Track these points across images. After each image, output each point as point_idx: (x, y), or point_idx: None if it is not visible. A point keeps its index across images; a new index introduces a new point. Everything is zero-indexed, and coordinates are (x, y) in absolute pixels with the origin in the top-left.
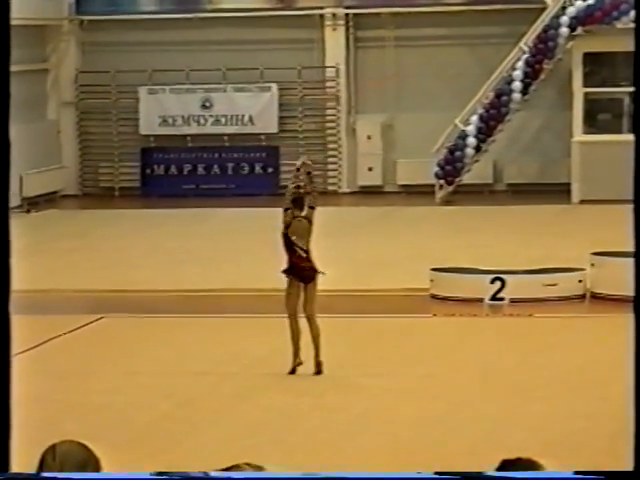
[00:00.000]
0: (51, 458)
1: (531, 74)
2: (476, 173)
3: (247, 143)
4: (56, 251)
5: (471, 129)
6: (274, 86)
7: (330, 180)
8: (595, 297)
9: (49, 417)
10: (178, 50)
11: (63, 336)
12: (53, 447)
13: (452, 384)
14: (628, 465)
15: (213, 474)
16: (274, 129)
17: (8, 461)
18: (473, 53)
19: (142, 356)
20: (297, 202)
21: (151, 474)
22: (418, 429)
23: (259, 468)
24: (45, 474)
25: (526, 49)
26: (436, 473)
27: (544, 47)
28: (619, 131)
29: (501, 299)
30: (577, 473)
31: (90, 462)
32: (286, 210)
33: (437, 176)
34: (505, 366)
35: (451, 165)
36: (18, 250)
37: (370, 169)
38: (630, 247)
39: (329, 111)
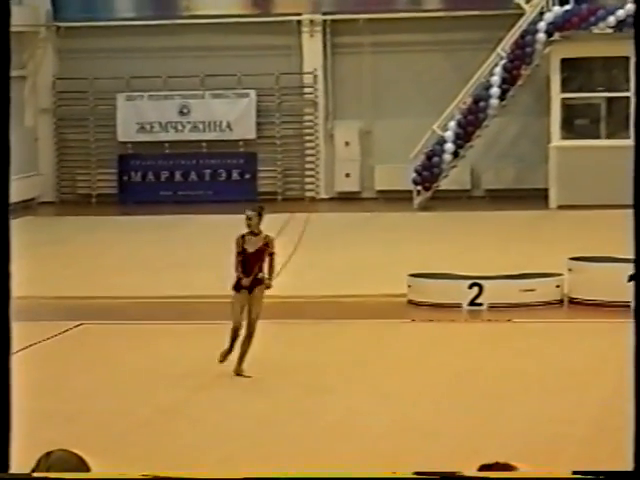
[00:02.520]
0: (44, 462)
1: (509, 80)
2: (454, 179)
3: (225, 149)
4: (34, 258)
5: (449, 135)
6: (252, 92)
7: (308, 186)
8: (573, 302)
9: (27, 424)
10: (155, 57)
11: (41, 343)
12: (49, 453)
13: (430, 389)
14: (607, 469)
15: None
16: (252, 135)
17: (8, 461)
18: (450, 59)
19: (121, 363)
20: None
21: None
22: (396, 434)
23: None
24: (40, 474)
25: (504, 55)
26: (415, 473)
27: (521, 53)
28: (596, 136)
29: (479, 304)
30: (575, 473)
31: (80, 471)
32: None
33: (415, 182)
34: (483, 371)
35: (429, 171)
36: None
37: (348, 175)
38: (608, 252)
39: (307, 117)
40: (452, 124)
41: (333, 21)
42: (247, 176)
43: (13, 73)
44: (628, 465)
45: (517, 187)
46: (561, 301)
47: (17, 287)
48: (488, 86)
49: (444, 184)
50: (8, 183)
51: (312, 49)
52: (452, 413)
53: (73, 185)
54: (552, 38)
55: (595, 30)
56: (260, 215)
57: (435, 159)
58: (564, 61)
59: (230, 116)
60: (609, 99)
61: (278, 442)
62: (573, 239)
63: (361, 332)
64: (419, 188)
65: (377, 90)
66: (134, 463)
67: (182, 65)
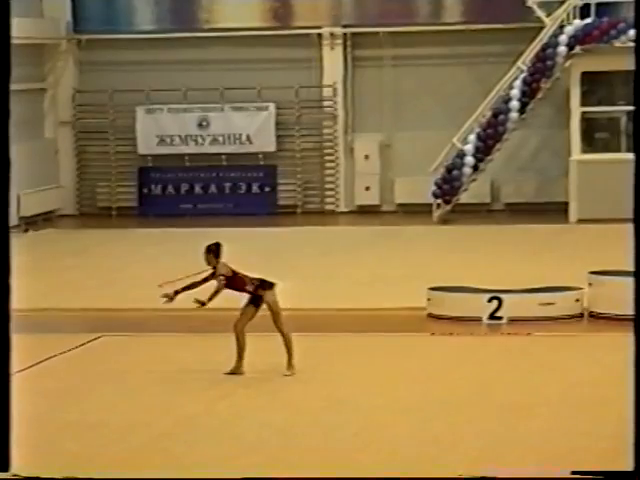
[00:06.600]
0: None
1: (529, 93)
2: (474, 192)
3: (244, 162)
4: (53, 270)
5: (469, 148)
6: (271, 105)
7: (327, 199)
8: (593, 316)
9: (47, 435)
10: (175, 69)
11: (61, 355)
12: None
13: (449, 402)
14: None
15: None
16: (272, 148)
17: (8, 461)
18: (471, 72)
19: (141, 374)
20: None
21: None
22: (416, 447)
23: None
24: (44, 475)
25: (524, 68)
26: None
27: (542, 66)
28: (617, 150)
29: (499, 318)
30: (574, 473)
31: None
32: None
33: (435, 195)
34: (503, 384)
35: (449, 184)
36: (15, 269)
37: (367, 188)
38: (628, 266)
39: (326, 130)
40: (472, 137)
41: (353, 34)
42: (267, 189)
43: (34, 85)
44: None
45: (537, 201)
46: (581, 315)
47: (37, 299)
48: (508, 99)
49: (464, 197)
50: (8, 198)
51: (332, 62)
52: (471, 426)
53: (93, 197)
54: (573, 51)
55: (616, 43)
56: (211, 252)
57: (455, 172)
58: (584, 74)
59: (250, 129)
60: (630, 113)
61: (297, 453)
62: (593, 253)
63: (380, 345)
64: (439, 201)
65: (397, 103)
66: (153, 474)
67: (202, 78)
